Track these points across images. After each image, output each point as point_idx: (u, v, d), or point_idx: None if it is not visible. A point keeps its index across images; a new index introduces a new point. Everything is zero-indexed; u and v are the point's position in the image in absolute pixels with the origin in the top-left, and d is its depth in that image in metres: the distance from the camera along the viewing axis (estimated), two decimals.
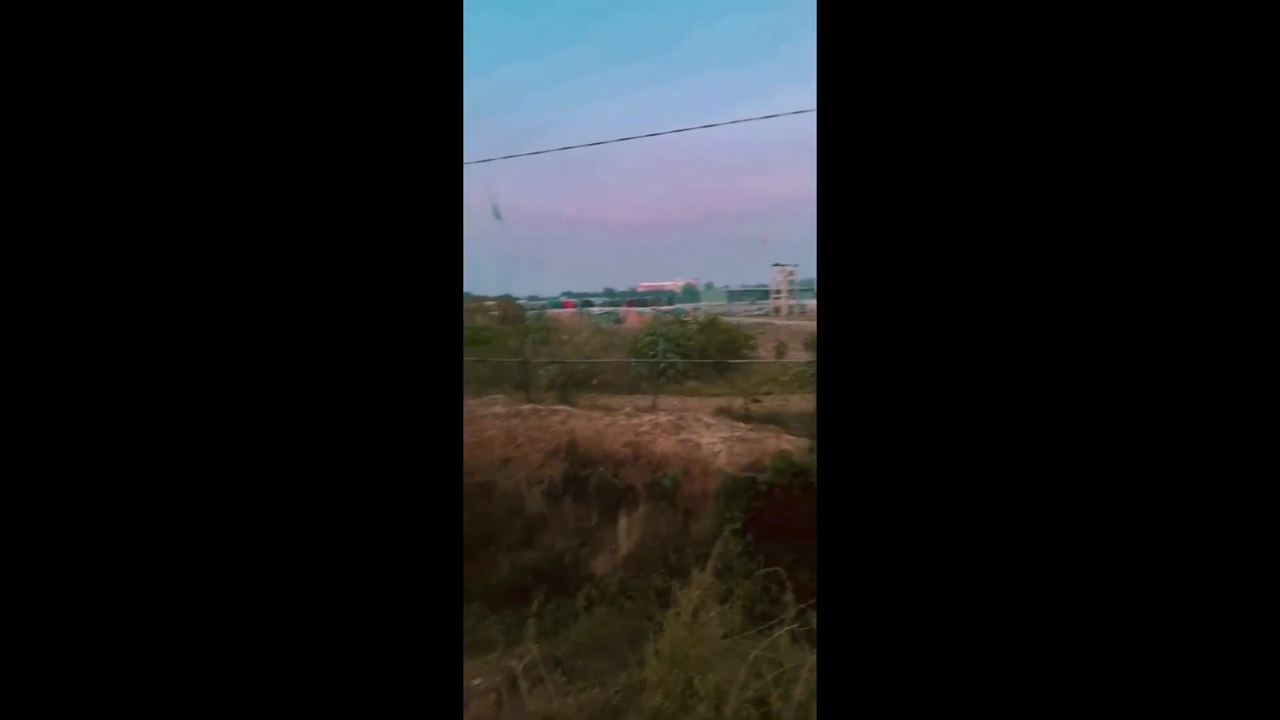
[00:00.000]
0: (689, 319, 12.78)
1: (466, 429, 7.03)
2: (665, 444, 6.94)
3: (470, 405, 7.81)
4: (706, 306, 20.34)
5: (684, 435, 7.11)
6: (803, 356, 8.80)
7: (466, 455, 6.67)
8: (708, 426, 7.32)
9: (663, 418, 7.65)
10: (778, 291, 23.83)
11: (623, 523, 6.73)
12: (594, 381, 8.95)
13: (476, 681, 4.35)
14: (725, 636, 3.24)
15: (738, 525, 4.99)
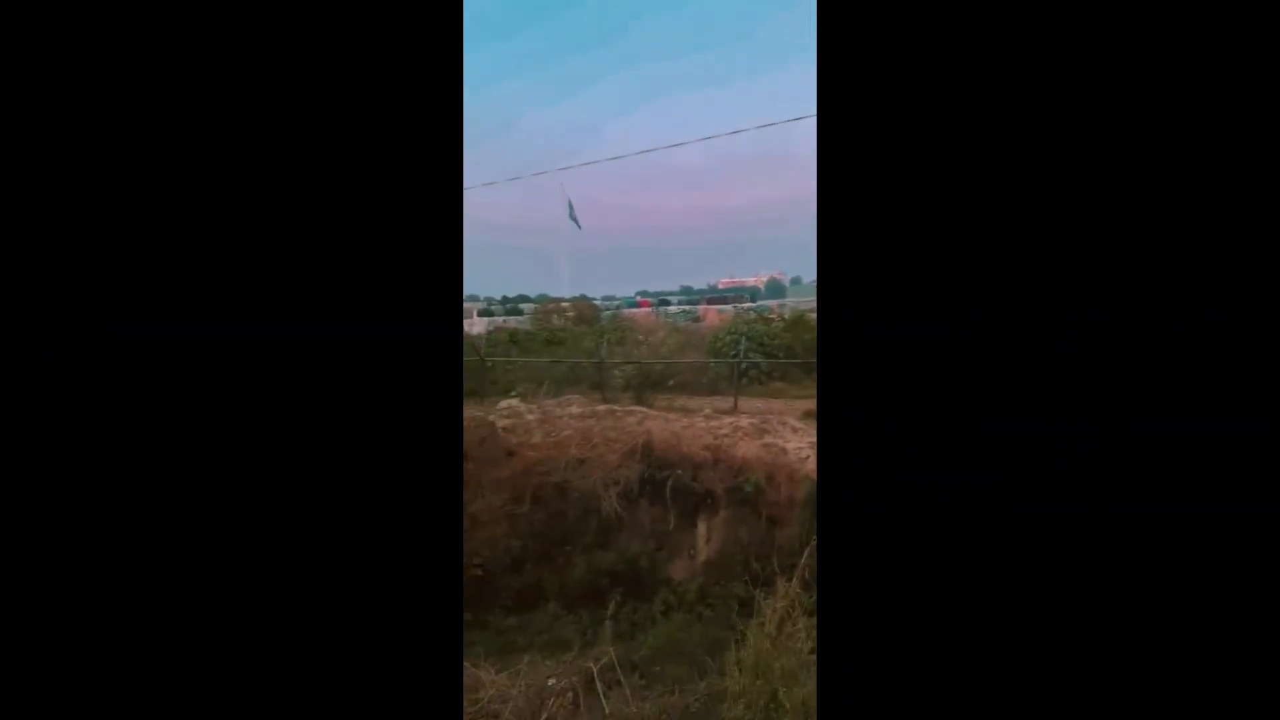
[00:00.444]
0: (773, 316, 12.33)
1: (543, 429, 7.12)
2: (747, 448, 6.71)
3: (546, 406, 7.92)
4: (793, 302, 19.47)
5: (768, 439, 6.85)
6: None
7: (543, 455, 6.74)
8: (795, 430, 7.03)
9: (744, 420, 7.41)
10: None
11: (701, 528, 6.58)
12: (670, 382, 8.85)
13: (551, 681, 4.37)
14: (814, 651, 3.05)
15: None
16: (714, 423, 7.26)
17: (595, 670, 4.41)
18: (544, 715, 4.02)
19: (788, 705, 2.57)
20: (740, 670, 3.60)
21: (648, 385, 8.53)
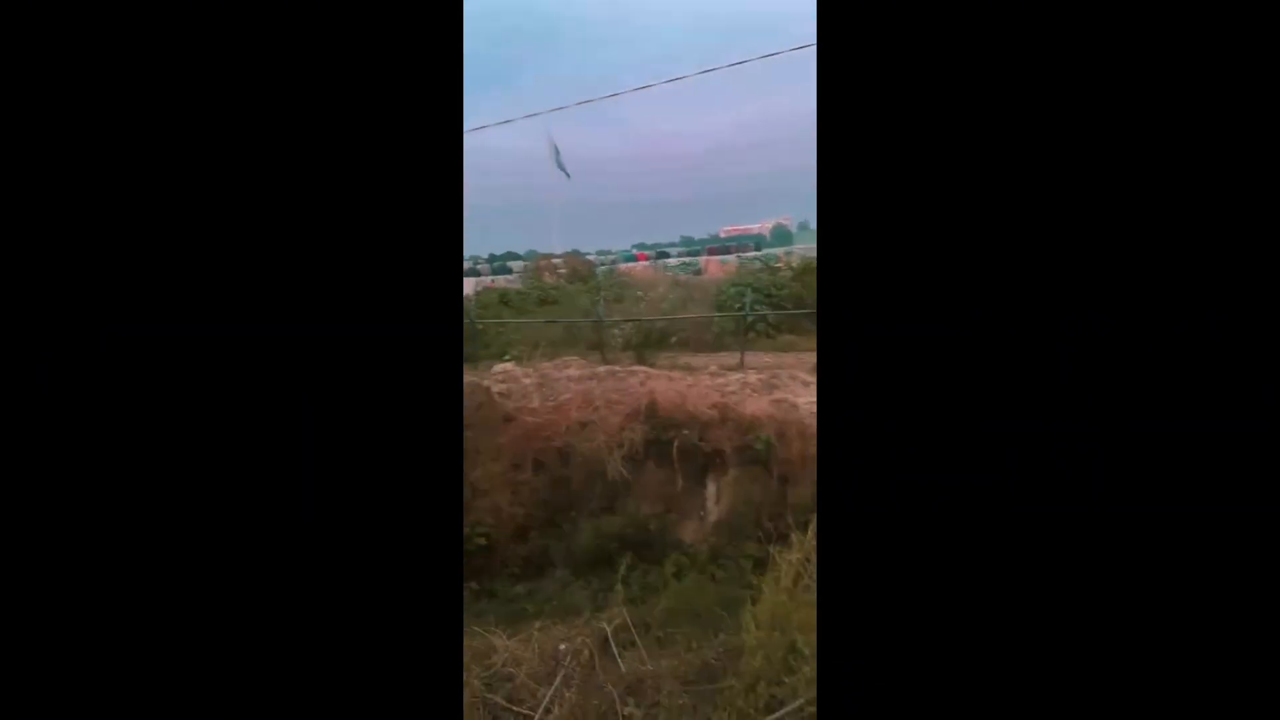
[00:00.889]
0: (780, 265, 11.91)
1: (541, 392, 6.92)
2: (756, 404, 6.52)
3: (543, 368, 7.70)
4: (801, 249, 18.80)
5: (778, 395, 6.64)
6: None
7: (543, 420, 6.57)
8: (806, 385, 6.83)
9: (752, 376, 7.20)
10: None
11: (711, 488, 6.48)
12: (673, 339, 8.61)
13: (563, 645, 4.34)
14: None
15: None
16: (720, 380, 7.05)
17: (609, 631, 4.39)
18: (560, 675, 3.98)
19: (807, 653, 2.58)
20: (757, 624, 3.61)
21: (649, 343, 8.31)
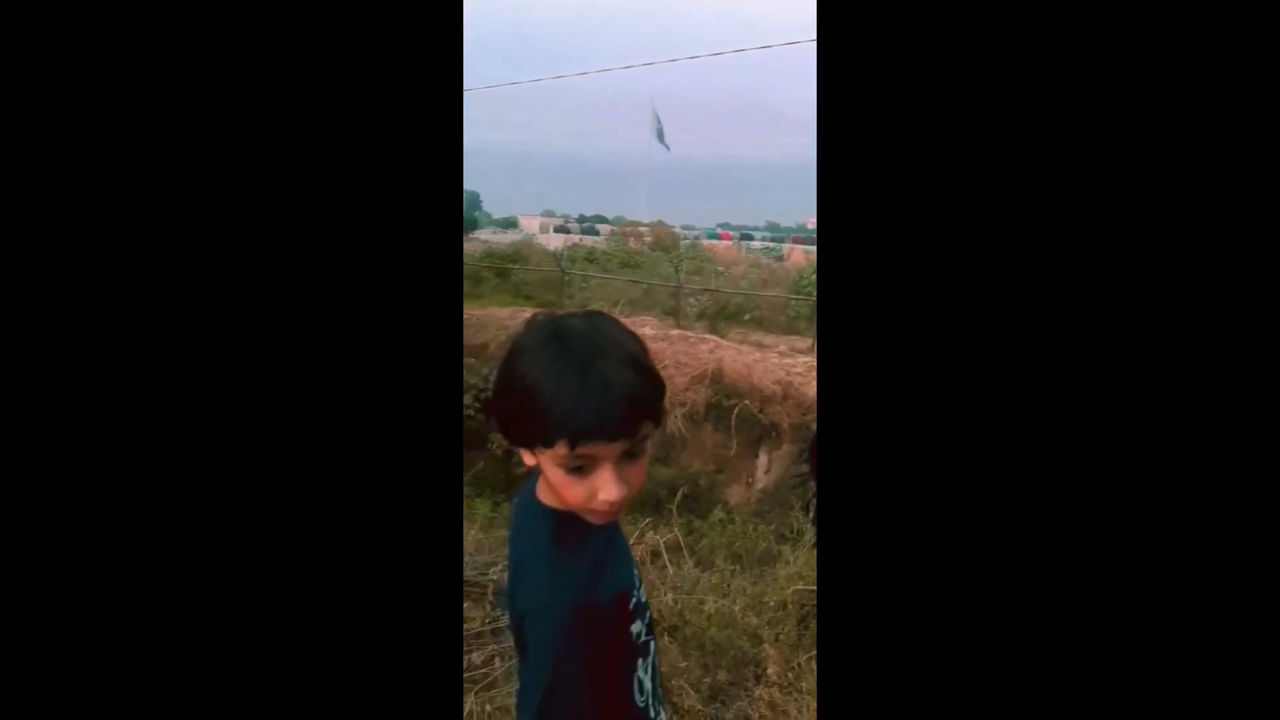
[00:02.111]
0: None
1: None
2: None
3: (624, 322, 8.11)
4: None
5: None
6: None
7: None
8: None
9: None
10: None
11: (763, 458, 6.68)
12: (747, 316, 8.69)
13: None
14: None
15: None
16: (788, 360, 7.19)
17: (662, 544, 4.75)
18: None
19: None
20: (794, 552, 3.81)
21: (723, 316, 8.46)
